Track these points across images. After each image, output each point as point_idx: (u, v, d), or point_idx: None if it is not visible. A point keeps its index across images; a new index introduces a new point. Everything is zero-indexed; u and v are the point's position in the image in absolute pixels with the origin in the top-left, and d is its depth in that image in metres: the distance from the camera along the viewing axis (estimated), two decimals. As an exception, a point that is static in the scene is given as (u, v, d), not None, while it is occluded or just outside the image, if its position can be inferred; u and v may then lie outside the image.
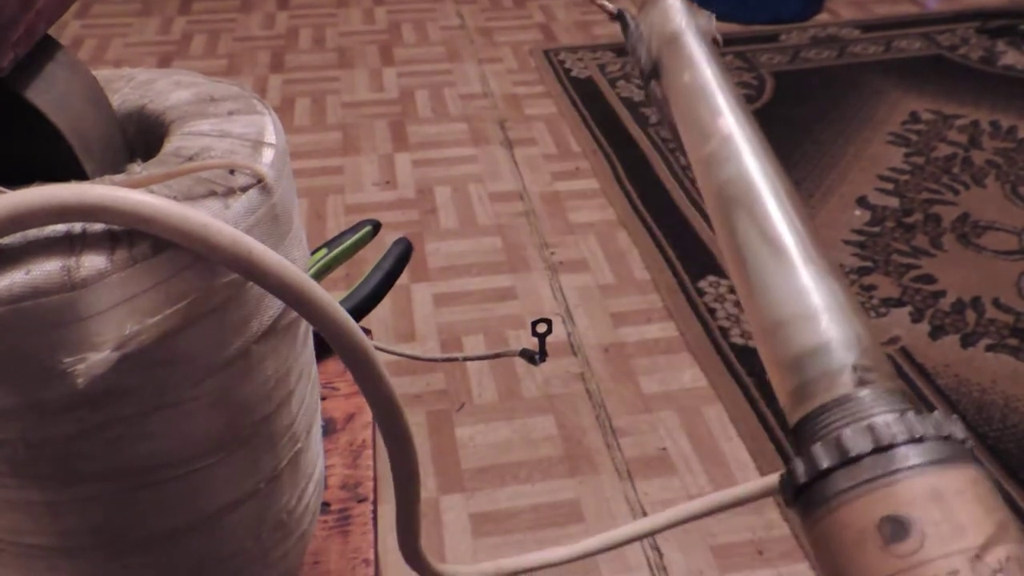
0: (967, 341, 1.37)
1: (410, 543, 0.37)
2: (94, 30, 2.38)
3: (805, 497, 0.21)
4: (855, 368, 0.21)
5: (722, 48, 0.35)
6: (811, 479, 0.21)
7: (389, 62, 2.26)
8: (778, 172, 0.26)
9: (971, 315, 1.42)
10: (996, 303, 1.45)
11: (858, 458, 0.20)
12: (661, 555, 1.07)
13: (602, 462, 1.19)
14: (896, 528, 0.19)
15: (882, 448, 0.20)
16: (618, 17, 0.38)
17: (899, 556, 0.19)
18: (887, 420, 0.20)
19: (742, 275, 0.24)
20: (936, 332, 1.39)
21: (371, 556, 0.49)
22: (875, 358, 0.22)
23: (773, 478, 0.23)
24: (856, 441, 0.20)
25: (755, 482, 0.26)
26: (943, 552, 0.18)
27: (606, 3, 0.39)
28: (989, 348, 1.36)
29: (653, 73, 0.35)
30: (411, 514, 0.36)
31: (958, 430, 0.21)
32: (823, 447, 0.20)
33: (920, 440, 0.20)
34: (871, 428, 0.20)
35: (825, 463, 0.20)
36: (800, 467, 0.21)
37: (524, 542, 1.08)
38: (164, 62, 2.23)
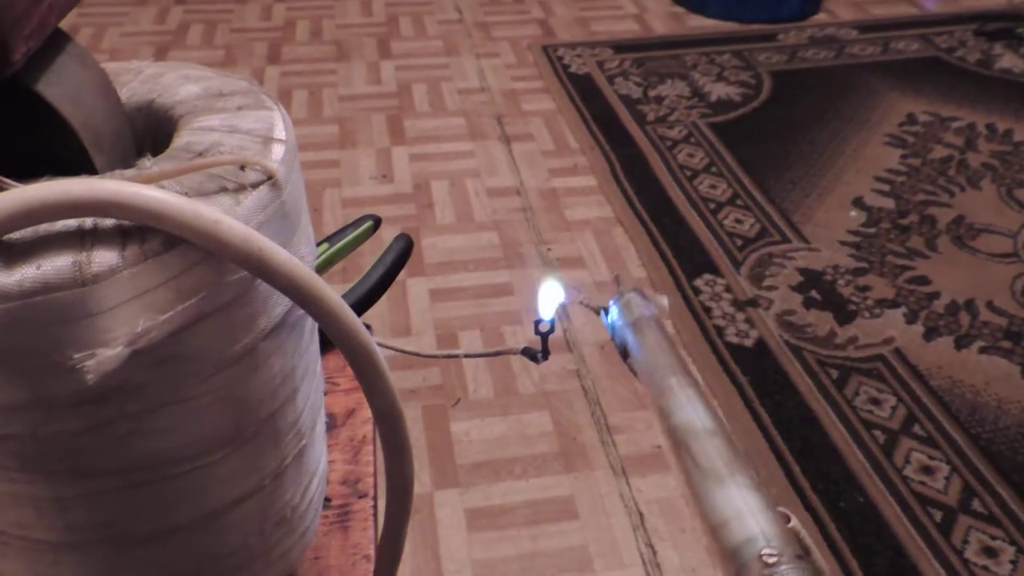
0: (961, 343, 1.38)
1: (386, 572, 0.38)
2: (90, 19, 2.37)
3: None
4: (773, 552, 0.29)
5: (667, 314, 0.46)
6: None
7: (387, 55, 2.25)
8: (710, 416, 0.36)
9: (965, 317, 1.43)
10: (990, 305, 1.46)
11: None
12: (655, 552, 1.07)
13: (597, 459, 1.19)
14: None
15: None
16: (600, 312, 0.52)
17: None
18: None
19: (692, 493, 0.34)
20: (930, 334, 1.39)
21: (371, 552, 0.49)
22: (786, 543, 0.30)
23: None
24: None
25: None
26: None
27: (593, 304, 0.52)
28: (983, 350, 1.37)
29: (624, 351, 0.47)
30: (398, 531, 0.37)
31: None
32: None
33: None
34: None
35: None
36: None
37: (518, 537, 1.09)
38: (161, 52, 2.22)
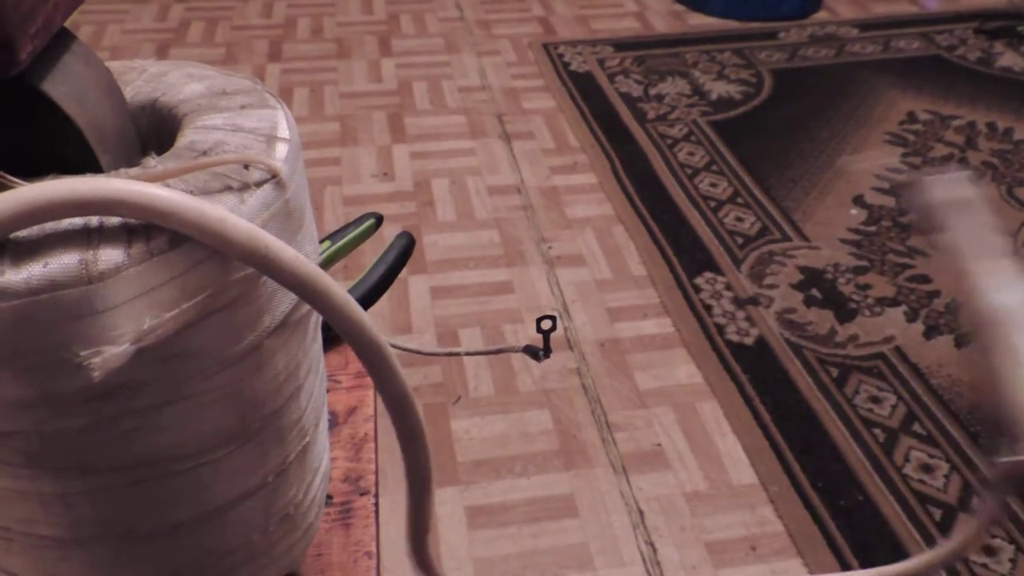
0: (961, 341, 1.38)
1: (418, 545, 0.38)
2: (91, 16, 2.37)
3: None
4: None
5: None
6: None
7: (387, 53, 2.25)
8: None
9: (965, 316, 1.43)
10: (990, 304, 1.46)
11: None
12: (655, 550, 1.08)
13: (597, 457, 1.20)
14: None
15: None
16: (906, 187, 0.50)
17: None
18: None
19: (1002, 377, 0.33)
20: (930, 332, 1.40)
21: (373, 549, 0.49)
22: None
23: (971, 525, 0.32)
24: None
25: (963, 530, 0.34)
26: None
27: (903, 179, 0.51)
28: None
29: (930, 227, 0.46)
30: (422, 512, 0.37)
31: None
32: None
33: None
34: None
35: None
36: None
37: (519, 535, 1.09)
38: (162, 50, 2.22)
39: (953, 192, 0.45)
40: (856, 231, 1.62)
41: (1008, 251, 0.38)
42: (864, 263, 1.54)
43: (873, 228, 1.63)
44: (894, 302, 1.45)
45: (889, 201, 1.71)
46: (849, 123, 1.96)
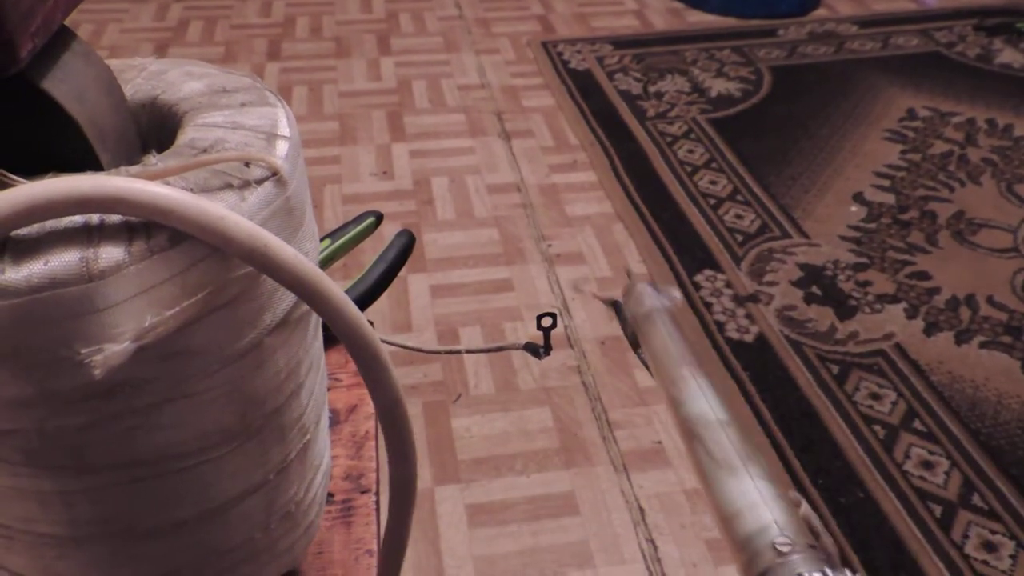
0: (961, 338, 1.38)
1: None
2: (90, 15, 2.37)
3: None
4: (786, 541, 0.30)
5: (681, 307, 0.49)
6: None
7: (386, 52, 2.25)
8: (722, 407, 0.37)
9: (965, 312, 1.43)
10: (990, 300, 1.46)
11: None
12: (656, 548, 1.08)
13: (597, 454, 1.20)
14: None
15: None
16: (613, 305, 0.51)
17: None
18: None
19: (702, 482, 0.35)
20: (930, 329, 1.40)
21: (374, 547, 0.49)
22: (798, 532, 0.31)
23: None
24: None
25: None
26: None
27: (604, 296, 0.52)
28: (983, 345, 1.37)
29: (635, 342, 0.47)
30: (402, 531, 0.37)
31: None
32: None
33: None
34: None
35: None
36: None
37: (519, 534, 1.09)
38: (160, 48, 2.22)
39: (645, 303, 0.47)
40: (856, 228, 1.62)
41: (692, 359, 0.41)
42: (864, 260, 1.54)
43: (873, 225, 1.63)
44: (894, 299, 1.45)
45: (889, 198, 1.71)
46: (848, 120, 1.96)
